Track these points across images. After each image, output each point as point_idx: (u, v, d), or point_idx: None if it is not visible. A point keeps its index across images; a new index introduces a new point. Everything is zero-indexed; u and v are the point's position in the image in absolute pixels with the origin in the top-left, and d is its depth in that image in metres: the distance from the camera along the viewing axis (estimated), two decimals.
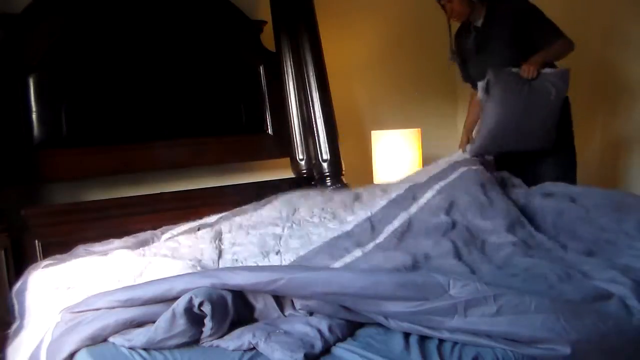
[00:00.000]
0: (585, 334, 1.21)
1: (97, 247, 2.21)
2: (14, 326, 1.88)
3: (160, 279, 1.49)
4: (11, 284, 2.22)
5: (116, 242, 2.22)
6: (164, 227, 2.41)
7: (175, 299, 1.37)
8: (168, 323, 1.31)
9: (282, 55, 3.09)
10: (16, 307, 1.99)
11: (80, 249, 2.21)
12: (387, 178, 3.25)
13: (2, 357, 1.85)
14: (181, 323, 1.31)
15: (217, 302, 1.34)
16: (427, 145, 3.44)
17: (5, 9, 2.45)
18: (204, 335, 1.35)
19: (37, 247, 2.40)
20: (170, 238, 2.25)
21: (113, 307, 1.42)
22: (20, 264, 2.28)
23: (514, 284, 1.49)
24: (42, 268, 2.00)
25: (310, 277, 1.37)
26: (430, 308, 1.29)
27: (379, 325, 1.38)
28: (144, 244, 2.22)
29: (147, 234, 2.33)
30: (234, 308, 1.38)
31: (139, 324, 1.41)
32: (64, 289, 1.76)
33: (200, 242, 2.11)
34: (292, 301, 1.45)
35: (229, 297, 1.38)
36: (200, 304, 1.32)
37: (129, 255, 2.01)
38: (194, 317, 1.33)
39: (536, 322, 1.22)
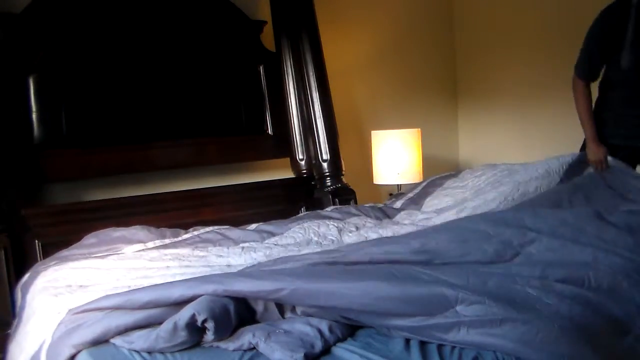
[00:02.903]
0: None
1: (115, 233, 2.22)
2: (16, 322, 1.89)
3: (160, 284, 1.49)
4: (11, 284, 2.23)
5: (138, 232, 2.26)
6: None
7: (174, 304, 1.37)
8: (169, 334, 1.31)
9: (282, 55, 3.09)
10: (19, 302, 2.00)
11: (91, 238, 2.22)
12: (387, 178, 3.26)
13: (2, 358, 1.85)
14: (182, 335, 1.31)
15: (220, 315, 1.33)
16: (427, 145, 3.44)
17: (5, 9, 2.45)
18: (205, 340, 1.35)
19: (37, 247, 2.40)
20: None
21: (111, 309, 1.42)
22: (20, 264, 2.28)
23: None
24: (48, 266, 2.00)
25: (313, 290, 1.36)
26: (433, 324, 1.28)
27: None
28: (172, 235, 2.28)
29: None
30: (236, 314, 1.38)
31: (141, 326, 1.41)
32: (67, 288, 1.76)
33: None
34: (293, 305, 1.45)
35: (232, 307, 1.37)
36: (204, 321, 1.31)
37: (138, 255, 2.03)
38: (196, 329, 1.33)
39: (538, 353, 1.20)
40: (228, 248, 2.09)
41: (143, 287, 1.48)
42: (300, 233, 2.26)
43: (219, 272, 1.71)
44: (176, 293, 1.39)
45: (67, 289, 1.73)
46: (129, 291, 1.49)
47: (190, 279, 1.51)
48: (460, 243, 1.69)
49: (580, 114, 2.65)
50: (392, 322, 1.32)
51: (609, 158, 2.52)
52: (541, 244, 1.69)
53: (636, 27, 2.41)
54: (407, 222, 2.47)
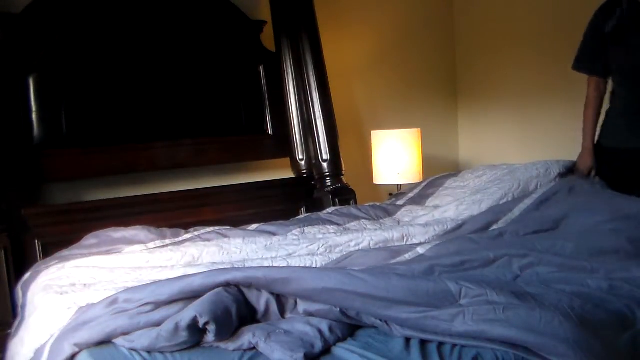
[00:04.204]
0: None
1: (115, 234, 2.23)
2: (18, 320, 1.89)
3: (178, 277, 1.51)
4: (11, 284, 2.23)
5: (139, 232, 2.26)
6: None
7: (196, 294, 1.39)
8: (170, 334, 1.31)
9: (282, 55, 3.09)
10: (19, 300, 2.00)
11: (92, 238, 2.22)
12: (387, 178, 3.26)
13: (2, 358, 1.85)
14: (183, 335, 1.31)
15: (222, 317, 1.34)
16: (426, 145, 3.44)
17: (5, 9, 2.45)
18: (205, 340, 1.35)
19: (37, 247, 2.40)
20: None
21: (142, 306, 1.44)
22: (20, 264, 2.28)
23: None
24: (49, 266, 2.00)
25: (323, 274, 1.41)
26: (437, 314, 1.30)
27: None
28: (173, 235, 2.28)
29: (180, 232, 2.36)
30: (238, 316, 1.38)
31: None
32: (71, 287, 1.76)
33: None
34: (294, 305, 1.46)
35: (234, 308, 1.38)
36: (206, 323, 1.32)
37: (140, 254, 2.03)
38: (197, 329, 1.33)
39: (542, 337, 1.21)
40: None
41: (162, 281, 1.49)
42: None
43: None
44: (196, 282, 1.41)
45: (71, 288, 1.74)
46: (150, 284, 1.50)
47: (209, 270, 1.54)
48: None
49: (584, 120, 2.64)
50: (397, 314, 1.33)
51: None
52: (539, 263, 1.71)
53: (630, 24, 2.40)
54: (407, 220, 2.47)
